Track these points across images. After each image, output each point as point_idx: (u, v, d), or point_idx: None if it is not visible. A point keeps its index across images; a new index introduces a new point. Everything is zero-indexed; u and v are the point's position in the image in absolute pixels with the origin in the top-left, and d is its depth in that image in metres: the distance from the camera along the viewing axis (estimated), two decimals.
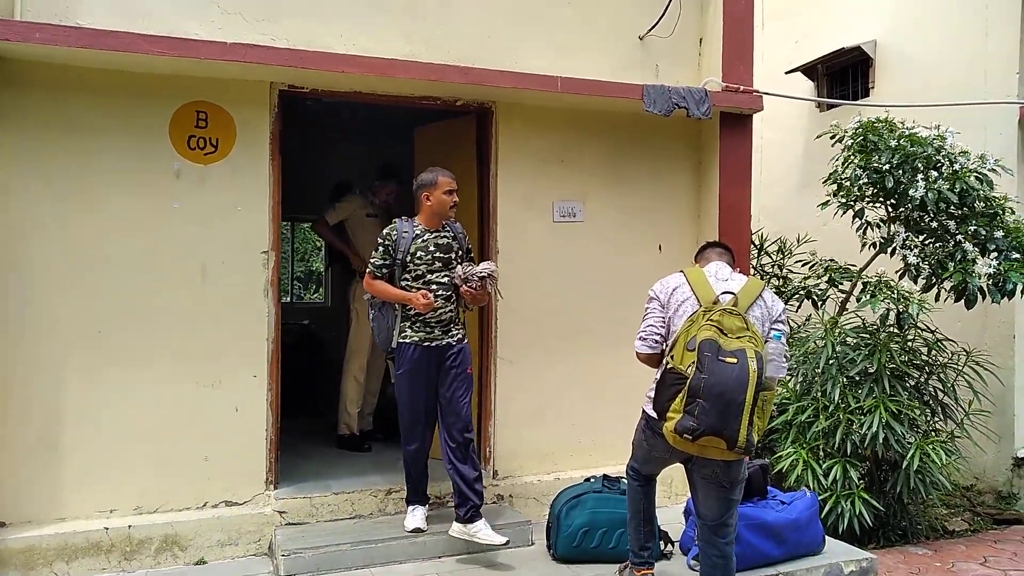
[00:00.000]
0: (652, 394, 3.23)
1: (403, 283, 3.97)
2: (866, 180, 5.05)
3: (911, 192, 4.80)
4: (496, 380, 4.72)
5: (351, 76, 4.20)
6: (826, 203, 5.38)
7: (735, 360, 2.89)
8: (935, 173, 4.87)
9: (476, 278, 3.97)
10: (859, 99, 7.26)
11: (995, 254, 4.83)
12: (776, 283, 6.10)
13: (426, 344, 3.97)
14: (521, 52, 4.71)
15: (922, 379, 5.17)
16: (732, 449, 2.88)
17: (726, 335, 2.98)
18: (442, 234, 4.04)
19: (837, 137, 5.38)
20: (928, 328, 5.24)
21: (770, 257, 6.32)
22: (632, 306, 4.92)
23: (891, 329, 5.08)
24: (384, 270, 3.99)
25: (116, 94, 4.00)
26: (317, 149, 7.10)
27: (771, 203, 7.51)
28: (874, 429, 4.58)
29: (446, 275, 4.00)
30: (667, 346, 3.20)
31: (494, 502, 4.60)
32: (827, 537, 4.19)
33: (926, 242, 5.09)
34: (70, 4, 3.89)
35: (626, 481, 3.66)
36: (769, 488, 4.18)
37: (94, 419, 3.95)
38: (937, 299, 5.00)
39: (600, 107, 4.89)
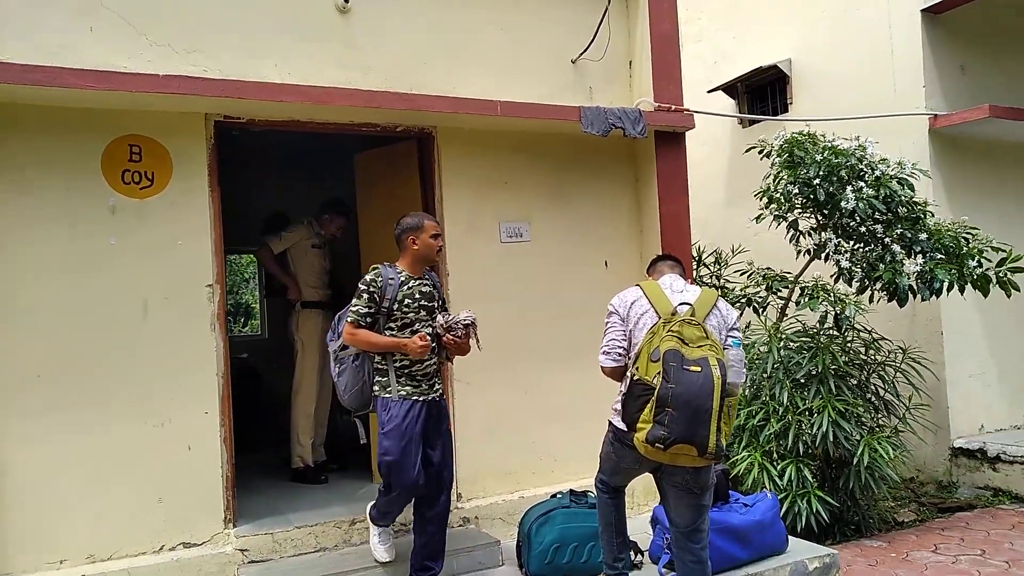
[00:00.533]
0: (619, 406, 3.26)
1: (387, 332, 3.67)
2: (797, 192, 5.26)
3: (843, 204, 5.02)
4: (454, 402, 4.67)
5: (289, 104, 4.16)
6: (760, 216, 5.58)
7: (699, 368, 2.95)
8: (861, 183, 5.10)
9: (461, 326, 3.72)
10: (779, 114, 7.58)
11: (920, 255, 5.09)
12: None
13: (420, 399, 3.68)
14: (457, 77, 4.74)
15: (863, 378, 5.37)
16: (703, 455, 2.93)
17: (688, 345, 3.04)
18: (424, 281, 3.81)
19: (765, 152, 5.59)
20: (864, 328, 5.47)
21: (708, 268, 6.49)
22: (581, 322, 5.02)
23: (830, 331, 5.28)
24: (368, 319, 3.65)
25: (44, 131, 3.84)
26: (249, 179, 6.95)
27: (699, 216, 7.67)
28: (824, 429, 4.73)
29: (429, 325, 3.75)
30: (630, 359, 3.23)
31: (460, 525, 4.54)
32: (789, 536, 4.28)
33: (856, 247, 5.32)
34: None
35: (595, 494, 3.67)
36: (730, 492, 4.26)
37: (37, 468, 3.73)
38: (871, 300, 5.23)
39: (539, 129, 4.96)
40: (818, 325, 5.20)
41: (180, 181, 4.11)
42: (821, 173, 5.13)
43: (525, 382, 4.89)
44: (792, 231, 5.47)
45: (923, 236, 5.13)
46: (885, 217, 5.17)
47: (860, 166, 5.21)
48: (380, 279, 3.68)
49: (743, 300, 5.87)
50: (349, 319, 3.66)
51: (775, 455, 4.91)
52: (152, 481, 3.94)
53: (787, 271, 5.81)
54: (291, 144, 6.26)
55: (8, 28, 3.74)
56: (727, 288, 6.27)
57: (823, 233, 5.37)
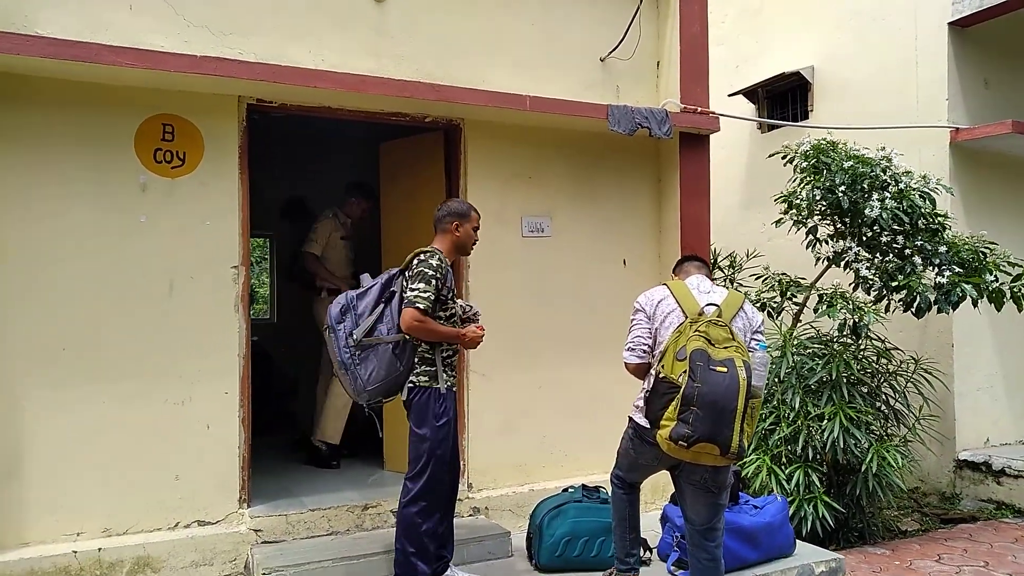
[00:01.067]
0: (641, 403, 3.30)
1: (437, 320, 3.56)
2: (819, 198, 5.28)
3: (867, 212, 5.04)
4: (469, 394, 4.72)
5: (321, 91, 4.18)
6: (779, 221, 5.60)
7: (725, 369, 2.99)
8: (886, 193, 5.13)
9: (479, 317, 3.71)
10: (799, 121, 7.60)
11: (938, 268, 5.12)
12: None
13: (455, 390, 3.69)
14: (487, 71, 4.77)
15: (875, 386, 5.41)
16: (725, 455, 2.97)
17: (714, 345, 3.07)
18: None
19: (788, 157, 5.61)
20: (878, 338, 5.50)
21: (722, 271, 6.51)
22: (599, 319, 5.07)
23: (845, 339, 5.31)
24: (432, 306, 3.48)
25: (78, 106, 3.88)
26: (274, 164, 6.98)
27: (714, 219, 7.69)
28: (835, 435, 4.77)
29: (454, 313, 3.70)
30: (654, 357, 3.27)
31: (471, 514, 4.59)
32: (796, 540, 4.33)
33: (876, 256, 5.35)
34: (29, 13, 3.76)
35: (609, 490, 3.71)
36: (740, 494, 4.30)
37: (59, 439, 3.78)
38: (887, 310, 5.26)
39: (565, 125, 4.99)
40: (835, 332, 5.23)
41: (211, 162, 4.15)
42: (847, 181, 5.16)
43: (540, 376, 4.94)
44: (810, 237, 5.49)
45: (942, 249, 5.17)
46: (905, 228, 5.20)
47: (884, 176, 5.24)
48: (444, 265, 3.54)
49: (757, 305, 5.89)
50: (420, 306, 3.40)
51: (784, 459, 4.96)
52: (170, 458, 3.99)
53: (800, 277, 5.84)
54: (317, 130, 6.27)
55: (49, 2, 3.77)
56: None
57: (843, 241, 5.39)
